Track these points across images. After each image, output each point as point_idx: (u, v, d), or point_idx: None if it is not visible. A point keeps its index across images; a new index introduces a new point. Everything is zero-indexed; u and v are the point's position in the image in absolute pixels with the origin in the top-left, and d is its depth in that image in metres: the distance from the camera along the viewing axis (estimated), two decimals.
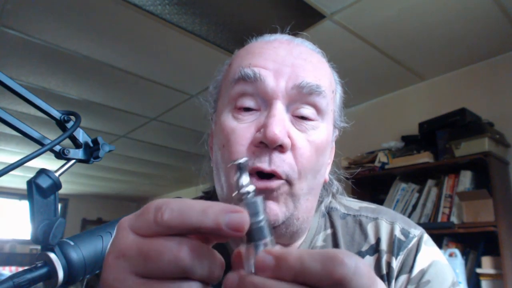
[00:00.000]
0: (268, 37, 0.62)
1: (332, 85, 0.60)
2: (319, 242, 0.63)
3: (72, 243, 0.41)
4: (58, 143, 0.47)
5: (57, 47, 2.39)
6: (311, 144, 0.54)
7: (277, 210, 0.52)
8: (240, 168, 0.30)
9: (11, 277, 0.36)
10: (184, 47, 2.38)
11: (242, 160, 0.30)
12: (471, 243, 2.16)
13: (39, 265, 0.39)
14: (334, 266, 0.25)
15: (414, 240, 0.61)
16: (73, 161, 0.50)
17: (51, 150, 0.47)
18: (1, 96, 2.99)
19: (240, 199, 0.29)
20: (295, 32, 0.65)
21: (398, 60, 2.52)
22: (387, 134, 2.79)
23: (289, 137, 0.52)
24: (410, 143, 2.51)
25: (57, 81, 2.86)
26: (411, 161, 2.36)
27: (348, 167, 2.65)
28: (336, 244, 0.62)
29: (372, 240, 0.62)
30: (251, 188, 0.30)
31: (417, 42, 2.30)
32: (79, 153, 0.50)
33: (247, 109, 0.54)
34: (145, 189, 7.02)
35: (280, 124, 0.50)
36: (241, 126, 0.54)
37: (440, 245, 2.16)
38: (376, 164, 2.52)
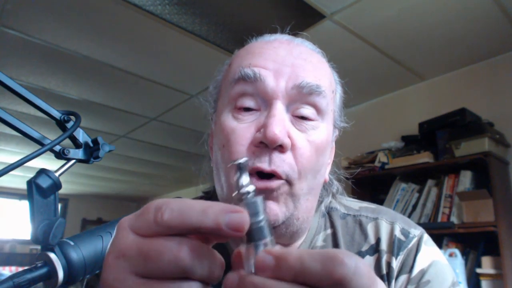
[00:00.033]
0: (268, 37, 0.62)
1: (332, 85, 0.60)
2: (319, 242, 0.63)
3: (72, 243, 0.41)
4: (58, 143, 0.47)
5: (57, 47, 2.39)
6: (311, 144, 0.54)
7: (277, 210, 0.52)
8: (240, 168, 0.30)
9: (11, 277, 0.36)
10: (184, 47, 2.38)
11: (242, 160, 0.30)
12: (471, 243, 2.16)
13: (39, 265, 0.39)
14: (334, 266, 0.25)
15: (414, 240, 0.61)
16: (73, 161, 0.50)
17: (51, 150, 0.47)
18: (1, 96, 2.99)
19: (240, 199, 0.29)
20: (295, 32, 0.65)
21: (398, 60, 2.52)
22: (387, 134, 2.79)
23: (289, 137, 0.52)
24: (410, 143, 2.51)
25: (57, 81, 2.86)
26: (411, 161, 2.36)
27: (348, 167, 2.65)
28: (336, 244, 0.62)
29: (372, 240, 0.62)
30: (251, 188, 0.30)
31: (417, 42, 2.30)
32: (79, 153, 0.50)
33: (247, 109, 0.54)
34: (145, 189, 7.02)
35: (280, 124, 0.50)
36: (241, 126, 0.53)
37: (440, 245, 2.16)
38: (376, 164, 2.52)
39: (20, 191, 6.98)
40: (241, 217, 0.27)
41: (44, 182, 0.44)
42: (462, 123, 2.21)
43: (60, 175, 0.46)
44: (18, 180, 6.10)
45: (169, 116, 3.51)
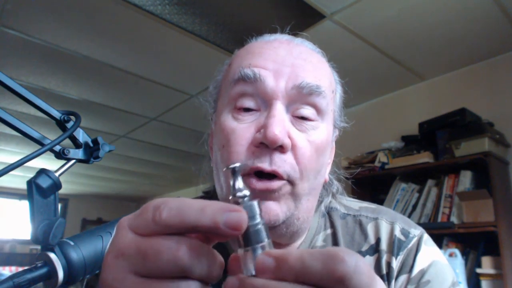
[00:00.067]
0: (268, 37, 0.62)
1: (332, 85, 0.60)
2: (319, 242, 0.63)
3: (72, 243, 0.41)
4: (58, 143, 0.47)
5: (57, 47, 2.39)
6: (311, 144, 0.54)
7: (277, 210, 0.52)
8: (235, 173, 0.30)
9: (11, 277, 0.36)
10: (184, 47, 2.38)
11: (236, 165, 0.30)
12: (471, 243, 2.16)
13: (39, 265, 0.39)
14: (335, 264, 0.25)
15: (414, 240, 0.61)
16: (73, 161, 0.50)
17: (51, 150, 0.47)
18: (1, 96, 2.99)
19: (236, 203, 0.29)
20: (295, 32, 0.65)
21: (398, 60, 2.52)
22: (387, 134, 2.79)
23: (290, 137, 0.52)
24: (410, 143, 2.51)
25: (57, 81, 2.87)
26: (411, 161, 2.36)
27: (348, 167, 2.65)
28: (336, 244, 0.62)
29: (372, 240, 0.62)
30: (246, 192, 0.30)
31: (417, 42, 2.30)
32: (79, 153, 0.50)
33: (247, 110, 0.54)
34: (145, 189, 7.02)
35: (280, 124, 0.50)
36: (241, 126, 0.53)
37: (440, 245, 2.16)
38: (376, 164, 2.52)
39: (20, 191, 6.98)
40: (239, 216, 0.27)
41: (44, 182, 0.44)
42: (462, 123, 2.21)
43: (60, 175, 0.46)
44: (18, 180, 6.10)
45: (169, 116, 3.51)
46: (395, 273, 0.58)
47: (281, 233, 0.55)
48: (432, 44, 2.33)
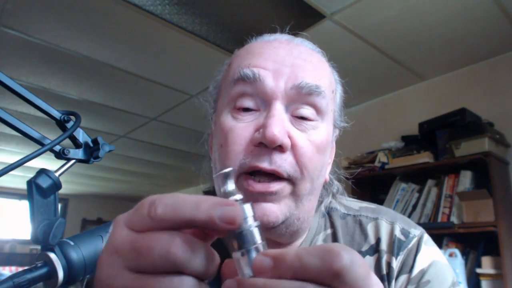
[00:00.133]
0: (267, 37, 0.62)
1: (332, 85, 0.60)
2: (319, 242, 0.63)
3: (72, 243, 0.41)
4: (58, 143, 0.47)
5: (57, 47, 2.39)
6: (311, 144, 0.54)
7: (277, 212, 0.52)
8: (226, 177, 0.30)
9: (11, 277, 0.36)
10: (184, 47, 2.38)
11: (228, 170, 0.31)
12: (471, 243, 2.16)
13: (39, 265, 0.39)
14: (332, 259, 0.25)
15: (414, 240, 0.61)
16: (73, 161, 0.50)
17: (51, 150, 0.47)
18: (1, 96, 2.99)
19: None
20: (295, 32, 0.65)
21: (398, 60, 2.52)
22: (387, 134, 2.79)
23: (290, 137, 0.52)
24: (410, 143, 2.51)
25: (57, 81, 2.87)
26: (411, 161, 2.36)
27: (348, 167, 2.65)
28: None
29: (372, 240, 0.62)
30: (238, 196, 0.30)
31: (417, 42, 2.30)
32: (79, 153, 0.50)
33: (247, 110, 0.54)
34: (145, 189, 7.01)
35: (280, 124, 0.50)
36: (240, 125, 0.53)
37: (440, 245, 2.16)
38: (376, 164, 2.53)
39: (20, 191, 6.98)
40: (234, 210, 0.27)
41: (44, 182, 0.44)
42: (462, 123, 2.21)
43: (60, 175, 0.46)
44: (18, 180, 6.10)
45: (169, 116, 3.51)
46: (395, 273, 0.58)
47: (281, 233, 0.55)
48: (432, 44, 2.33)
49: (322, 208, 0.65)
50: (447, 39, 2.28)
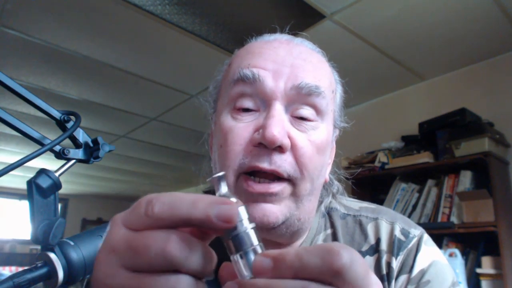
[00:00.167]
0: (267, 37, 0.62)
1: (332, 85, 0.60)
2: (319, 242, 0.63)
3: (72, 243, 0.41)
4: (58, 143, 0.47)
5: (57, 47, 2.39)
6: (311, 144, 0.54)
7: (277, 212, 0.52)
8: (219, 180, 0.30)
9: (11, 277, 0.36)
10: (184, 47, 2.38)
11: (220, 174, 0.31)
12: (471, 243, 2.16)
13: (39, 265, 0.39)
14: (332, 258, 0.25)
15: (414, 240, 0.61)
16: (73, 161, 0.50)
17: (51, 150, 0.47)
18: (1, 96, 2.99)
19: None
20: (295, 32, 0.65)
21: (398, 60, 2.52)
22: (387, 134, 2.79)
23: (289, 137, 0.52)
24: (410, 143, 2.51)
25: (57, 81, 2.87)
26: (411, 161, 2.35)
27: (348, 167, 2.65)
28: None
29: (372, 240, 0.62)
30: (232, 199, 0.30)
31: (417, 42, 2.30)
32: (79, 153, 0.50)
33: (246, 110, 0.54)
34: (145, 189, 7.01)
35: (279, 124, 0.50)
36: (239, 125, 0.53)
37: (440, 245, 2.16)
38: (376, 164, 2.52)
39: (20, 191, 6.98)
40: (230, 208, 0.27)
41: (44, 182, 0.44)
42: (462, 123, 2.21)
43: (60, 175, 0.46)
44: (18, 180, 6.10)
45: (169, 116, 3.51)
46: (395, 273, 0.58)
47: (281, 233, 0.55)
48: (432, 44, 2.33)
49: (322, 208, 0.65)
50: (447, 39, 2.27)
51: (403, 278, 0.58)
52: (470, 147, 2.11)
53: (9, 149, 4.57)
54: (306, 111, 0.54)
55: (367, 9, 2.00)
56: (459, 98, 2.52)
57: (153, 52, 2.49)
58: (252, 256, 0.28)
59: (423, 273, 0.57)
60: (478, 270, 2.03)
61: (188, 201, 0.27)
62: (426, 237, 0.62)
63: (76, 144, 0.51)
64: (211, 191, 0.70)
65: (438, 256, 0.60)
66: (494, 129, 2.24)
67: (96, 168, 5.55)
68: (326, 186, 0.66)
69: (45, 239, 0.40)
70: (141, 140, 4.20)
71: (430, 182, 2.34)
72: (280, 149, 0.51)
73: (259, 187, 0.51)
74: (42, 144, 0.46)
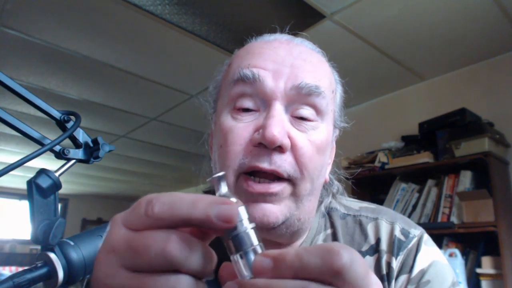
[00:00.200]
0: (267, 37, 0.62)
1: (332, 85, 0.60)
2: (319, 242, 0.63)
3: (72, 243, 0.41)
4: (58, 143, 0.47)
5: (57, 47, 2.39)
6: (312, 144, 0.54)
7: (277, 213, 0.52)
8: (219, 180, 0.31)
9: (11, 277, 0.36)
10: (184, 47, 2.38)
11: (220, 174, 0.31)
12: (471, 243, 2.16)
13: (39, 265, 0.39)
14: (332, 258, 0.25)
15: (414, 240, 0.61)
16: (73, 161, 0.50)
17: (51, 150, 0.47)
18: (1, 96, 2.99)
19: None
20: (295, 32, 0.65)
21: (398, 60, 2.52)
22: (387, 134, 2.79)
23: (289, 137, 0.52)
24: (410, 143, 2.51)
25: (57, 81, 2.87)
26: (411, 161, 2.35)
27: (348, 167, 2.65)
28: None
29: (372, 240, 0.62)
30: (232, 199, 0.30)
31: (417, 42, 2.30)
32: (79, 153, 0.51)
33: (246, 110, 0.54)
34: (145, 189, 7.01)
35: (279, 125, 0.50)
36: (239, 125, 0.53)
37: (440, 245, 2.16)
38: (376, 164, 2.52)
39: (20, 191, 6.98)
40: (230, 208, 0.27)
41: (44, 182, 0.44)
42: (462, 123, 2.21)
43: (60, 175, 0.46)
44: (18, 180, 6.10)
45: (169, 116, 3.51)
46: (395, 273, 0.58)
47: (281, 233, 0.55)
48: (432, 44, 2.33)
49: (322, 208, 0.65)
50: (447, 39, 2.28)
51: (403, 278, 0.58)
52: (470, 147, 2.11)
53: (9, 149, 4.57)
54: (306, 111, 0.54)
55: (367, 9, 2.00)
56: (459, 98, 2.52)
57: (153, 52, 2.49)
58: (252, 256, 0.28)
59: (423, 273, 0.57)
60: (478, 270, 2.03)
61: (188, 201, 0.27)
62: (426, 237, 0.62)
63: (76, 144, 0.51)
64: (211, 191, 0.70)
65: (438, 256, 0.60)
66: (494, 129, 2.24)
67: (96, 168, 5.55)
68: (326, 186, 0.66)
69: (45, 239, 0.40)
70: (141, 140, 4.20)
71: (430, 182, 2.34)
72: (280, 149, 0.51)
73: (259, 187, 0.51)
74: (42, 144, 0.46)
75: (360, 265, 0.26)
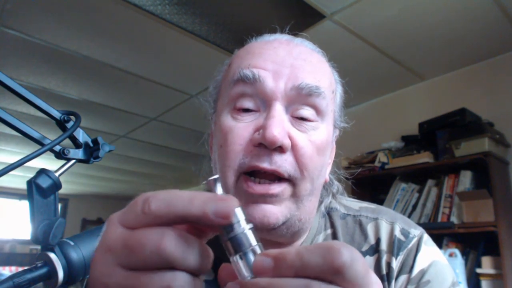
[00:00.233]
0: (267, 37, 0.62)
1: (332, 85, 0.60)
2: (319, 242, 0.63)
3: (72, 243, 0.41)
4: (58, 143, 0.47)
5: (57, 47, 2.39)
6: (312, 144, 0.54)
7: (277, 213, 0.52)
8: (215, 182, 0.31)
9: (11, 277, 0.36)
10: (184, 47, 2.38)
11: (215, 176, 0.31)
12: (471, 243, 2.16)
13: (39, 265, 0.39)
14: (333, 256, 0.25)
15: (414, 240, 0.61)
16: (73, 161, 0.50)
17: (51, 150, 0.47)
18: (1, 96, 2.99)
19: None
20: (295, 32, 0.65)
21: (398, 60, 2.52)
22: (387, 134, 2.79)
23: (290, 137, 0.52)
24: (410, 143, 2.51)
25: (57, 81, 2.87)
26: (411, 161, 2.35)
27: (348, 167, 2.65)
28: None
29: (372, 240, 0.62)
30: None
31: (417, 42, 2.30)
32: (79, 153, 0.51)
33: (246, 110, 0.54)
34: (145, 189, 6.95)
35: (279, 125, 0.50)
36: (239, 125, 0.54)
37: (440, 245, 2.16)
38: (376, 164, 2.52)
39: (20, 191, 6.98)
40: (227, 205, 0.27)
41: (44, 182, 0.44)
42: (462, 123, 2.21)
43: (60, 175, 0.46)
44: (18, 180, 6.10)
45: (169, 116, 3.51)
46: (395, 273, 0.58)
47: (281, 234, 0.55)
48: (432, 44, 2.33)
49: (322, 208, 0.65)
50: (447, 39, 2.27)
51: (403, 278, 0.58)
52: (470, 147, 2.11)
53: (9, 149, 4.57)
54: (306, 112, 0.54)
55: (367, 9, 2.00)
56: (459, 98, 2.52)
57: (153, 52, 2.49)
58: (251, 257, 0.28)
59: (423, 273, 0.57)
60: (478, 270, 2.03)
61: (185, 198, 0.27)
62: (426, 237, 0.62)
63: (76, 144, 0.51)
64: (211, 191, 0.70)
65: (438, 256, 0.60)
66: (494, 129, 2.24)
67: (96, 168, 5.55)
68: (326, 186, 0.66)
69: (45, 239, 0.40)
70: (141, 140, 4.20)
71: (430, 182, 2.34)
72: (280, 149, 0.51)
73: (259, 188, 0.51)
74: (42, 144, 0.46)
75: (360, 264, 0.26)
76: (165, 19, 2.11)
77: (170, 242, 0.26)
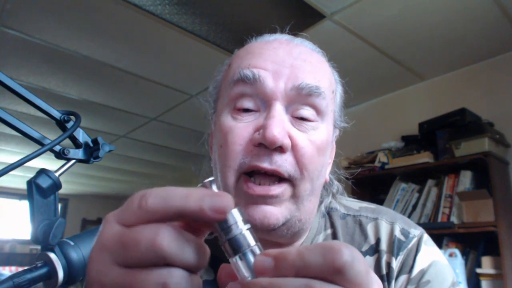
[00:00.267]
0: (267, 37, 0.62)
1: (332, 85, 0.60)
2: (319, 242, 0.63)
3: (72, 243, 0.41)
4: (58, 143, 0.47)
5: (57, 47, 2.39)
6: (312, 144, 0.54)
7: (278, 214, 0.52)
8: (211, 184, 0.31)
9: (11, 277, 0.36)
10: (184, 47, 2.38)
11: (211, 178, 0.31)
12: (471, 243, 2.16)
13: (39, 265, 0.39)
14: (334, 255, 0.25)
15: (414, 240, 0.61)
16: (73, 161, 0.50)
17: (51, 150, 0.47)
18: (1, 96, 2.99)
19: None
20: (295, 32, 0.65)
21: (398, 60, 2.52)
22: (387, 134, 2.79)
23: (290, 137, 0.52)
24: (410, 143, 2.51)
25: (57, 81, 2.87)
26: (411, 161, 2.35)
27: (348, 167, 2.65)
28: None
29: (372, 240, 0.62)
30: None
31: (417, 42, 2.30)
32: (79, 153, 0.51)
33: (246, 110, 0.54)
34: (145, 189, 7.00)
35: (280, 125, 0.50)
36: (239, 125, 0.54)
37: (440, 245, 2.16)
38: (376, 164, 2.52)
39: (20, 191, 6.98)
40: (224, 200, 0.27)
41: (44, 182, 0.44)
42: (462, 123, 2.21)
43: (60, 175, 0.46)
44: (18, 180, 6.10)
45: (169, 116, 3.51)
46: (395, 273, 0.58)
47: (281, 234, 0.55)
48: (432, 44, 2.33)
49: (322, 208, 0.65)
50: (447, 39, 2.27)
51: (403, 278, 0.58)
52: (470, 147, 2.11)
53: (9, 149, 4.57)
54: (307, 112, 0.54)
55: (367, 9, 2.00)
56: (459, 98, 2.52)
57: (153, 52, 2.49)
58: (250, 257, 0.28)
59: (423, 273, 0.57)
60: (478, 270, 2.03)
61: (181, 194, 0.27)
62: (426, 237, 0.62)
63: (76, 144, 0.51)
64: None
65: (438, 256, 0.60)
66: (494, 129, 2.24)
67: (96, 168, 5.55)
68: (326, 186, 0.66)
69: (45, 239, 0.40)
70: (141, 140, 4.20)
71: (430, 182, 2.34)
72: (280, 149, 0.51)
73: (259, 189, 0.51)
74: (42, 144, 0.46)
75: (361, 263, 0.26)
76: (165, 19, 2.11)
77: (165, 238, 0.26)
